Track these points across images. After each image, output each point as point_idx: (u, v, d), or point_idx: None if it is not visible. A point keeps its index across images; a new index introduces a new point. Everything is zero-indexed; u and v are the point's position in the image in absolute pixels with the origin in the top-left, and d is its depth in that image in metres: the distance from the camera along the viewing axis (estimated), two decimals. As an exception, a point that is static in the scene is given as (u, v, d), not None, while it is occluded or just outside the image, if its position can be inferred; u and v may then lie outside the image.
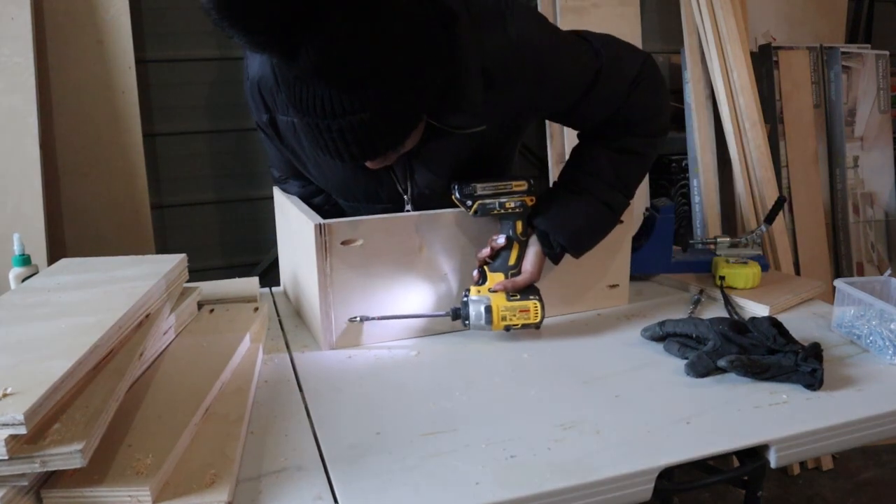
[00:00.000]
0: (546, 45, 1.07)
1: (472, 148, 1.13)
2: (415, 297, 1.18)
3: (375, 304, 1.15)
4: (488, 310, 1.13)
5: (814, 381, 0.99)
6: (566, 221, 1.16)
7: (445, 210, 1.16)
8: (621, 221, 1.27)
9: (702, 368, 1.03)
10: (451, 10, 0.99)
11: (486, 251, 1.16)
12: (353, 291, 1.13)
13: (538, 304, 1.14)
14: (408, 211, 1.21)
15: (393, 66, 0.88)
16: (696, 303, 1.33)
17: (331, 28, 0.82)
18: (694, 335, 1.10)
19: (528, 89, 1.07)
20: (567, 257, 1.21)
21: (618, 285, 1.33)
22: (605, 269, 1.31)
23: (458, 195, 1.13)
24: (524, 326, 1.15)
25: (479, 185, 1.13)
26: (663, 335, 1.14)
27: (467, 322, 1.14)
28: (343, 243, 1.10)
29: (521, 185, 1.15)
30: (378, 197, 1.20)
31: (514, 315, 1.13)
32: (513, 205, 1.14)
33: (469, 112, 1.06)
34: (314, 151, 1.09)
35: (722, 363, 1.02)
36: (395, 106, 0.92)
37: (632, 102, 1.15)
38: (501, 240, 1.15)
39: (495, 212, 1.14)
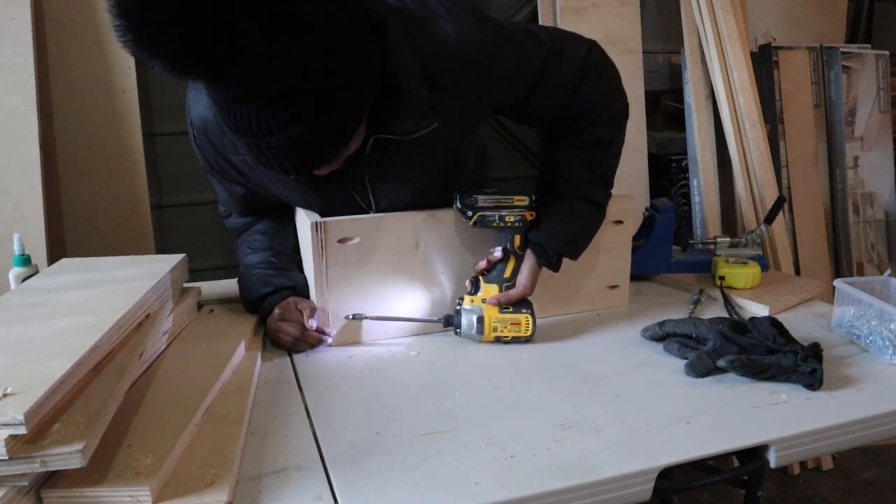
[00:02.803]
0: (486, 40, 1.05)
1: (428, 153, 1.11)
2: (411, 294, 1.18)
3: (372, 301, 1.15)
4: (480, 320, 1.13)
5: (814, 381, 0.99)
6: (558, 229, 1.16)
7: (442, 209, 1.17)
8: (621, 222, 1.28)
9: (702, 368, 1.03)
10: (378, 14, 0.98)
11: (482, 263, 1.17)
12: (349, 289, 1.13)
13: (529, 318, 1.15)
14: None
15: (319, 76, 0.86)
16: (696, 303, 1.33)
17: (249, 46, 0.80)
18: (694, 335, 1.10)
19: (473, 86, 1.06)
20: (566, 261, 1.21)
21: (618, 286, 1.33)
22: (605, 271, 1.31)
23: (459, 205, 1.14)
24: (514, 339, 1.15)
25: (480, 197, 1.13)
26: (663, 335, 1.14)
27: (458, 330, 1.15)
28: (340, 241, 1.10)
29: (523, 200, 1.15)
30: (343, 212, 1.16)
31: (506, 327, 1.14)
32: (513, 219, 1.14)
33: (416, 114, 1.04)
34: (263, 171, 1.06)
35: (722, 363, 1.02)
36: (329, 115, 0.90)
37: (584, 91, 1.14)
38: (498, 253, 1.15)
39: (494, 224, 1.14)
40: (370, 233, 1.12)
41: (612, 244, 1.30)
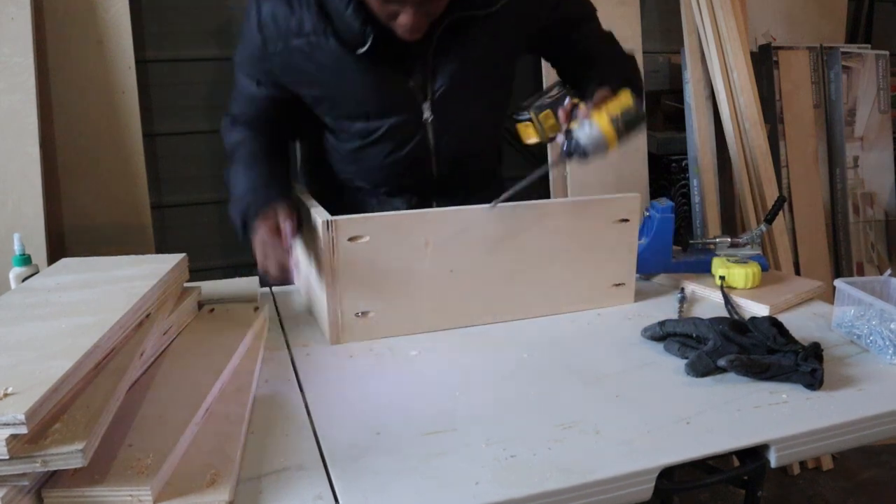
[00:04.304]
0: None
1: (490, 42, 1.22)
2: (421, 292, 1.19)
3: (382, 299, 1.16)
4: (592, 126, 1.10)
5: (814, 381, 0.99)
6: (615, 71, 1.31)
7: (452, 208, 1.18)
8: (626, 220, 1.29)
9: (702, 368, 1.03)
10: None
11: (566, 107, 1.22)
12: (359, 287, 1.14)
13: (627, 91, 1.12)
14: (426, 118, 1.25)
15: None
16: (682, 300, 1.33)
17: None
18: (694, 335, 1.10)
19: None
20: (570, 257, 1.24)
21: (623, 284, 1.34)
22: (611, 268, 1.31)
23: (515, 117, 1.25)
24: (635, 119, 1.10)
25: (524, 103, 1.24)
26: (663, 335, 1.14)
27: (583, 152, 1.11)
28: (350, 240, 1.11)
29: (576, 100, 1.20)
30: (393, 109, 1.23)
31: (618, 112, 1.09)
32: (555, 91, 1.25)
33: None
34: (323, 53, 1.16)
35: (722, 363, 1.02)
36: None
37: None
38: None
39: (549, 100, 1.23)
40: (380, 231, 1.13)
41: (618, 242, 1.30)
